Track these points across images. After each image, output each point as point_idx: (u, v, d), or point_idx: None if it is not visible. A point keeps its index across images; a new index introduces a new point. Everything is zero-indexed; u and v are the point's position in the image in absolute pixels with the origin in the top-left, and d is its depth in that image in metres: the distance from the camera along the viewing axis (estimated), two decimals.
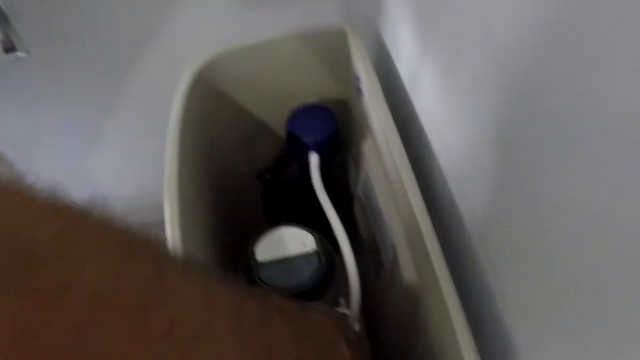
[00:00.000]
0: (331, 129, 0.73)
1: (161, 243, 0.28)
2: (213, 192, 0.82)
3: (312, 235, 0.69)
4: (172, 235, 0.55)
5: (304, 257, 0.67)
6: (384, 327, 0.72)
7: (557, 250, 0.40)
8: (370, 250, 0.73)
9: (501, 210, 0.49)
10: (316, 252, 0.67)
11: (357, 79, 0.70)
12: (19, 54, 0.99)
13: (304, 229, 0.69)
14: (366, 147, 0.69)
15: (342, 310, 0.65)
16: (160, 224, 0.57)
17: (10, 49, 0.97)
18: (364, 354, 0.51)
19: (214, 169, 0.83)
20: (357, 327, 0.64)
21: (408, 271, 0.57)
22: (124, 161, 1.36)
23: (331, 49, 0.75)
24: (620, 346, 0.33)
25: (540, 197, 0.41)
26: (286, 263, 0.67)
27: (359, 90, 0.71)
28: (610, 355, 0.34)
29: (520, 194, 0.45)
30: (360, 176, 0.70)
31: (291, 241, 0.69)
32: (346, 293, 0.63)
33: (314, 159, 0.71)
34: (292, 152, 0.74)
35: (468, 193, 0.55)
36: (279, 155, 0.74)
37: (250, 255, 0.68)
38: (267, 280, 0.65)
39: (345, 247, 0.59)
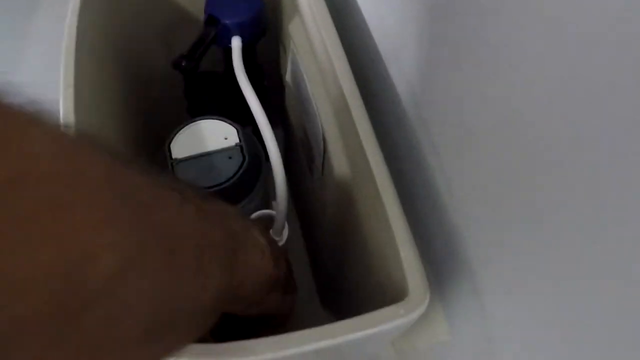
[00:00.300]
0: (254, 9, 0.64)
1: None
2: (128, 89, 0.73)
3: (236, 128, 0.61)
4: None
5: (225, 152, 0.60)
6: (320, 230, 0.67)
7: (500, 127, 0.34)
8: (302, 146, 0.67)
9: (442, 88, 0.43)
10: (239, 147, 0.60)
11: None
12: None
13: (226, 121, 0.62)
14: (294, 29, 0.61)
15: (272, 212, 0.59)
16: None
17: None
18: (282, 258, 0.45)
19: (129, 62, 0.74)
20: (286, 230, 0.58)
21: (339, 162, 0.51)
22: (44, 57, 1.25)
23: None
24: (576, 233, 0.28)
25: (481, 72, 0.35)
26: (206, 159, 0.59)
27: None
28: (568, 248, 0.29)
29: (461, 69, 0.38)
30: (289, 61, 0.63)
31: (212, 135, 0.61)
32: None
33: (235, 43, 0.62)
34: (212, 36, 0.65)
35: (406, 73, 0.48)
36: (196, 40, 0.66)
37: (167, 151, 0.60)
38: (185, 179, 0.58)
39: (270, 141, 0.53)
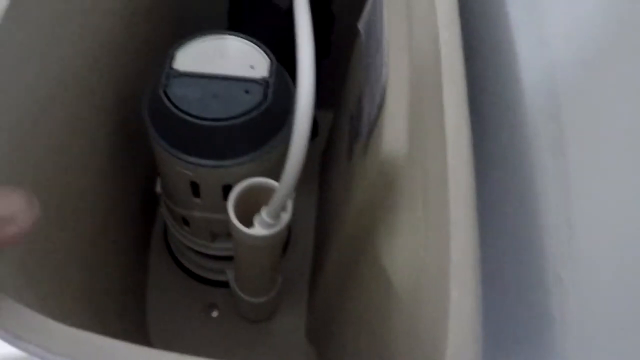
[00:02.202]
0: None
1: None
2: None
3: (270, 59, 0.44)
4: None
5: (243, 84, 0.42)
6: (335, 237, 0.48)
7: None
8: (351, 124, 0.49)
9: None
10: (264, 82, 0.42)
11: None
12: None
13: (260, 47, 0.44)
14: None
15: (274, 184, 0.40)
16: None
17: None
18: None
19: None
20: (286, 215, 0.40)
21: (395, 136, 0.32)
22: None
23: None
24: None
25: None
26: (214, 83, 0.42)
27: None
28: None
29: None
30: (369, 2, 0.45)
31: (236, 58, 0.44)
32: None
33: None
34: None
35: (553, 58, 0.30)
36: None
37: (169, 59, 0.43)
38: (176, 100, 0.41)
39: (305, 78, 0.34)
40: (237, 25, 0.55)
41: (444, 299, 0.23)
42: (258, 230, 0.39)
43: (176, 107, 0.40)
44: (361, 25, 0.47)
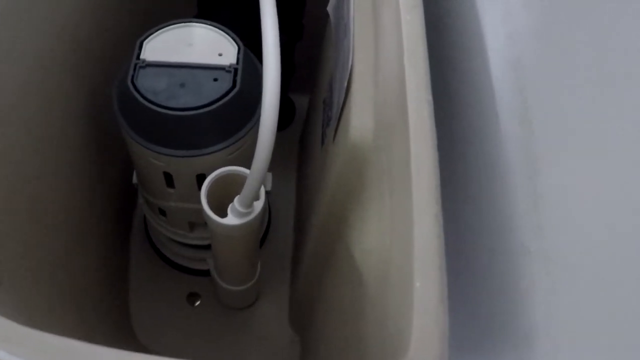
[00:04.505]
0: None
1: None
2: None
3: (238, 46, 0.43)
4: None
5: (211, 71, 0.42)
6: (311, 222, 0.48)
7: None
8: (324, 109, 0.48)
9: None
10: (232, 70, 0.42)
11: None
12: None
13: (228, 34, 0.44)
14: None
15: (246, 172, 0.40)
16: None
17: None
18: None
19: None
20: (260, 203, 0.40)
21: (361, 118, 0.32)
22: None
23: None
24: None
25: None
26: (182, 72, 0.41)
27: None
28: None
29: None
30: None
31: (203, 46, 0.43)
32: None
33: None
34: None
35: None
36: None
37: (136, 49, 0.43)
38: (144, 91, 0.40)
39: (270, 58, 0.34)
40: (206, 12, 0.54)
41: (408, 289, 0.23)
42: (231, 219, 0.39)
43: (144, 97, 0.40)
44: (330, 9, 0.47)
